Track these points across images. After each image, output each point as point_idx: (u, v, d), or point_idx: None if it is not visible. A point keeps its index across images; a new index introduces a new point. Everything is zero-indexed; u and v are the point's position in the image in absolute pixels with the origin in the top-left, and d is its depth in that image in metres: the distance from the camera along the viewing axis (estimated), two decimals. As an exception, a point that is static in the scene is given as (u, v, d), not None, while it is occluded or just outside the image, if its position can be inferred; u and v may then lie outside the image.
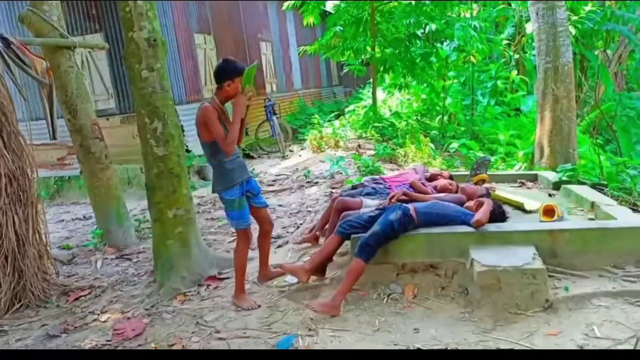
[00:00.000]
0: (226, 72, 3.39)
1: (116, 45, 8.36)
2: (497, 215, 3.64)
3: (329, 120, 11.51)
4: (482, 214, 3.46)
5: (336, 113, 13.27)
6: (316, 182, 7.18)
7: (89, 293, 4.27)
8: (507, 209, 4.30)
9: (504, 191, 4.66)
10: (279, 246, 4.71)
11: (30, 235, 4.20)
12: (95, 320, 3.76)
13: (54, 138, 4.87)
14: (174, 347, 3.12)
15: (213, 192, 3.60)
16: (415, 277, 3.51)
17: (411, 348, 2.81)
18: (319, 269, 3.66)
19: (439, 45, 10.38)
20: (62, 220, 7.31)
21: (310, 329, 3.11)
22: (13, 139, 4.16)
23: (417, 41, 10.05)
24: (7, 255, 4.05)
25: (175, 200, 4.06)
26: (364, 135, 9.88)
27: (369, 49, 10.13)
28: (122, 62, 4.79)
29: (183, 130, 5.64)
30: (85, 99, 5.20)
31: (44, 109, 4.73)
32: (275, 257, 4.37)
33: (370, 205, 4.06)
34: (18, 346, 3.48)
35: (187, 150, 8.11)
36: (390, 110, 11.47)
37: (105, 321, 3.70)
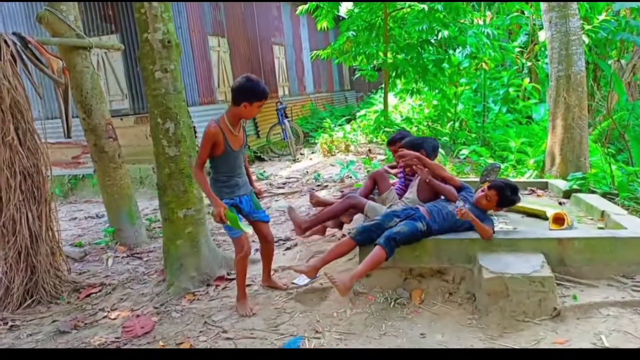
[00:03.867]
0: (246, 93, 3.22)
1: (132, 47, 8.47)
2: (509, 196, 3.56)
3: (340, 125, 11.54)
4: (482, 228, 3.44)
5: (347, 117, 13.31)
6: (326, 186, 7.21)
7: (100, 290, 4.33)
8: (516, 217, 4.30)
9: (526, 201, 4.62)
10: (288, 248, 4.74)
11: (44, 232, 4.26)
12: (105, 317, 3.81)
13: (69, 137, 4.93)
14: (181, 346, 3.16)
15: None
16: (423, 282, 3.52)
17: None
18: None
19: (451, 51, 10.37)
20: (75, 218, 7.40)
21: (317, 332, 3.13)
22: (28, 136, 4.23)
23: (430, 47, 10.06)
24: (20, 252, 4.13)
25: (185, 201, 4.11)
26: (374, 140, 9.90)
27: (381, 54, 10.15)
28: (137, 64, 4.85)
29: (195, 132, 5.70)
30: (100, 99, 5.27)
31: (59, 107, 4.80)
32: (284, 259, 4.40)
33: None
34: (29, 341, 3.53)
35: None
36: (402, 116, 11.47)
37: (115, 318, 3.75)
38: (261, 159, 10.75)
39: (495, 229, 3.81)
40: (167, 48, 3.98)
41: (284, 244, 4.87)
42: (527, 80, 11.33)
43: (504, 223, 4.11)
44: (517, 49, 11.90)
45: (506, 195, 3.53)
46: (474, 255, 3.39)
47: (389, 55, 10.13)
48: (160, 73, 3.97)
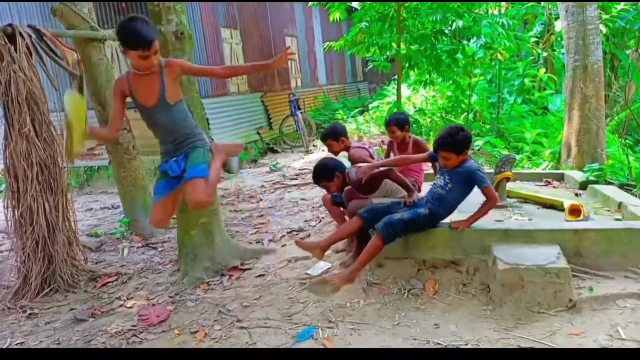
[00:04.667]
0: None
1: (145, 39, 8.49)
2: (456, 140, 3.28)
3: (352, 116, 11.51)
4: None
5: (360, 109, 13.26)
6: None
7: (116, 280, 4.39)
8: (531, 208, 4.26)
9: (541, 192, 4.59)
10: (302, 239, 4.74)
11: (60, 222, 4.32)
12: (121, 306, 3.86)
13: (84, 128, 4.97)
14: (196, 335, 3.19)
15: None
16: (436, 273, 3.51)
17: (431, 344, 2.82)
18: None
19: (465, 42, 10.26)
20: (91, 209, 7.49)
21: (330, 321, 3.14)
22: (45, 128, 4.28)
23: (444, 38, 9.96)
24: (38, 241, 4.19)
25: (200, 191, 4.12)
26: (387, 131, 9.84)
27: (394, 45, 10.07)
28: (150, 55, 4.87)
29: (208, 123, 5.71)
30: (115, 90, 5.30)
31: (74, 99, 4.83)
32: (298, 250, 4.41)
33: None
34: (47, 329, 3.60)
35: (212, 143, 8.19)
36: (415, 107, 11.41)
37: (131, 307, 3.80)
38: (274, 151, 10.78)
39: (510, 220, 3.80)
40: (180, 40, 3.98)
41: (297, 234, 4.89)
42: (542, 70, 11.19)
43: (519, 214, 4.07)
44: (533, 39, 11.75)
45: (452, 142, 3.25)
46: (488, 246, 3.37)
47: (402, 46, 10.04)
48: (174, 64, 3.98)
